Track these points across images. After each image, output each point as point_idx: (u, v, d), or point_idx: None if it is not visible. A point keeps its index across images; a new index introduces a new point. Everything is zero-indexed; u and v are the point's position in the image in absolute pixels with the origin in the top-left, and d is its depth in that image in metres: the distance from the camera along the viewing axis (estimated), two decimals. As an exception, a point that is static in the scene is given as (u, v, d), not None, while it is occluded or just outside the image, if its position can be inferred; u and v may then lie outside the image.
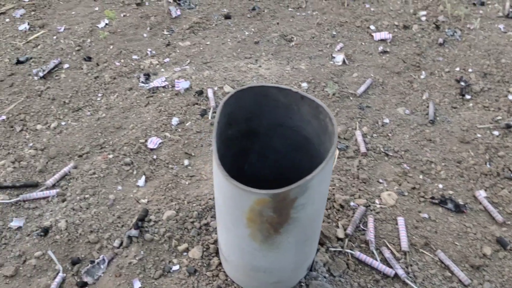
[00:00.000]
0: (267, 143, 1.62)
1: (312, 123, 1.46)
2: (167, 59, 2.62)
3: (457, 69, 2.51)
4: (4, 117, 2.28)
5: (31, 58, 2.62)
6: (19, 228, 1.84)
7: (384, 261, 1.70)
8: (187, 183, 1.99)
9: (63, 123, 2.27)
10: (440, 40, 2.67)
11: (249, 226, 1.34)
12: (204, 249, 1.76)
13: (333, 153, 1.25)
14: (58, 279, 1.70)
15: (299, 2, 3.03)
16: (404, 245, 1.73)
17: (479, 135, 2.13)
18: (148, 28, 2.83)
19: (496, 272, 1.66)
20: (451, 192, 1.91)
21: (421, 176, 1.98)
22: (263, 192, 1.18)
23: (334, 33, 2.76)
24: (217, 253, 1.76)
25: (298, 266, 1.58)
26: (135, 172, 2.04)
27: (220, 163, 1.21)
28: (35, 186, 1.98)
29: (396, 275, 1.65)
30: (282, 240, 1.38)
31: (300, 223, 1.34)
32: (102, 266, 1.74)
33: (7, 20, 2.94)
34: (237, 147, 1.59)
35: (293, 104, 1.46)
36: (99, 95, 2.41)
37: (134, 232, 1.79)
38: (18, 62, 2.58)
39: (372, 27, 2.79)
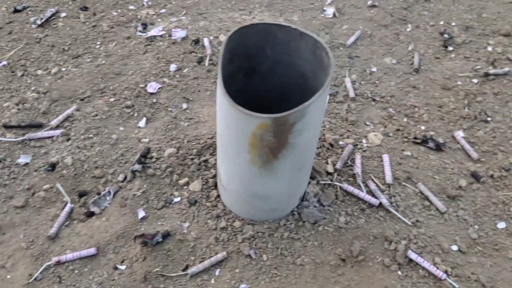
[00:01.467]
0: (266, 81, 1.73)
1: (309, 60, 1.57)
2: (163, 10, 2.68)
3: (441, 22, 2.63)
4: (5, 62, 2.34)
5: (28, 7, 2.66)
6: (27, 164, 1.94)
7: (370, 192, 1.86)
8: (186, 124, 2.10)
9: (63, 69, 2.34)
10: (427, -4, 2.78)
11: (250, 151, 1.46)
12: (204, 182, 1.89)
13: (329, 82, 1.37)
14: (66, 209, 1.81)
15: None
16: (388, 178, 1.89)
17: (459, 83, 2.27)
18: (143, -20, 2.88)
19: (470, 202, 1.83)
20: (432, 133, 2.07)
21: (405, 119, 2.13)
22: (264, 116, 1.30)
23: (325, -13, 2.85)
24: (215, 186, 1.89)
25: (292, 194, 1.73)
26: (136, 115, 2.14)
27: (225, 91, 1.33)
28: (39, 126, 2.07)
29: (380, 204, 1.81)
30: (279, 165, 1.51)
31: (296, 149, 1.47)
32: (108, 198, 1.86)
33: (0, -30, 2.95)
34: (238, 84, 1.70)
35: (291, 41, 1.56)
36: (98, 43, 2.48)
37: (137, 166, 1.91)
38: (16, 11, 2.62)
39: (361, -18, 2.88)
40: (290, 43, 1.57)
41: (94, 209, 1.82)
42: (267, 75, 1.71)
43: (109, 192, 1.85)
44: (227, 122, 1.43)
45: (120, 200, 1.84)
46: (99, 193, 1.86)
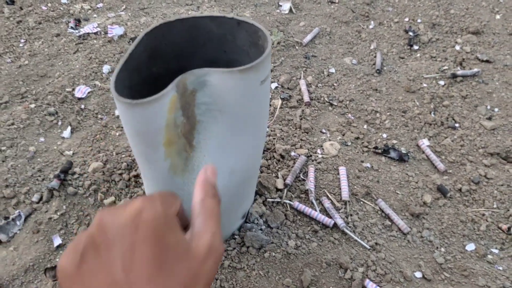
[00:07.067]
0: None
1: (250, 54, 1.31)
2: (100, 4, 2.40)
3: (406, 19, 2.43)
4: None
5: None
6: None
7: (324, 211, 1.63)
8: (117, 134, 1.84)
9: (-21, 71, 2.04)
10: (391, -9, 2.57)
11: (167, 155, 1.17)
12: (133, 202, 1.62)
13: (263, 60, 1.05)
14: (-33, 237, 1.53)
15: None
16: (345, 194, 1.66)
17: (425, 85, 2.07)
18: (80, -29, 2.59)
19: (436, 220, 1.62)
20: (395, 141, 1.85)
21: (365, 126, 1.91)
22: (169, 87, 0.99)
23: (282, -19, 2.61)
24: (147, 206, 1.63)
25: (228, 207, 1.46)
26: (60, 123, 1.86)
27: (117, 94, 1.02)
28: None
29: (335, 225, 1.58)
30: (199, 159, 1.21)
31: (210, 133, 1.16)
32: (18, 223, 1.58)
33: None
34: (165, 87, 1.43)
35: (228, 34, 1.30)
36: (22, 41, 2.18)
37: (54, 183, 1.63)
38: None
39: (321, -25, 2.66)
40: (227, 36, 1.31)
41: (0, 236, 1.53)
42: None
43: (19, 215, 1.57)
44: (133, 128, 1.13)
45: (32, 225, 1.56)
46: (7, 217, 1.57)
